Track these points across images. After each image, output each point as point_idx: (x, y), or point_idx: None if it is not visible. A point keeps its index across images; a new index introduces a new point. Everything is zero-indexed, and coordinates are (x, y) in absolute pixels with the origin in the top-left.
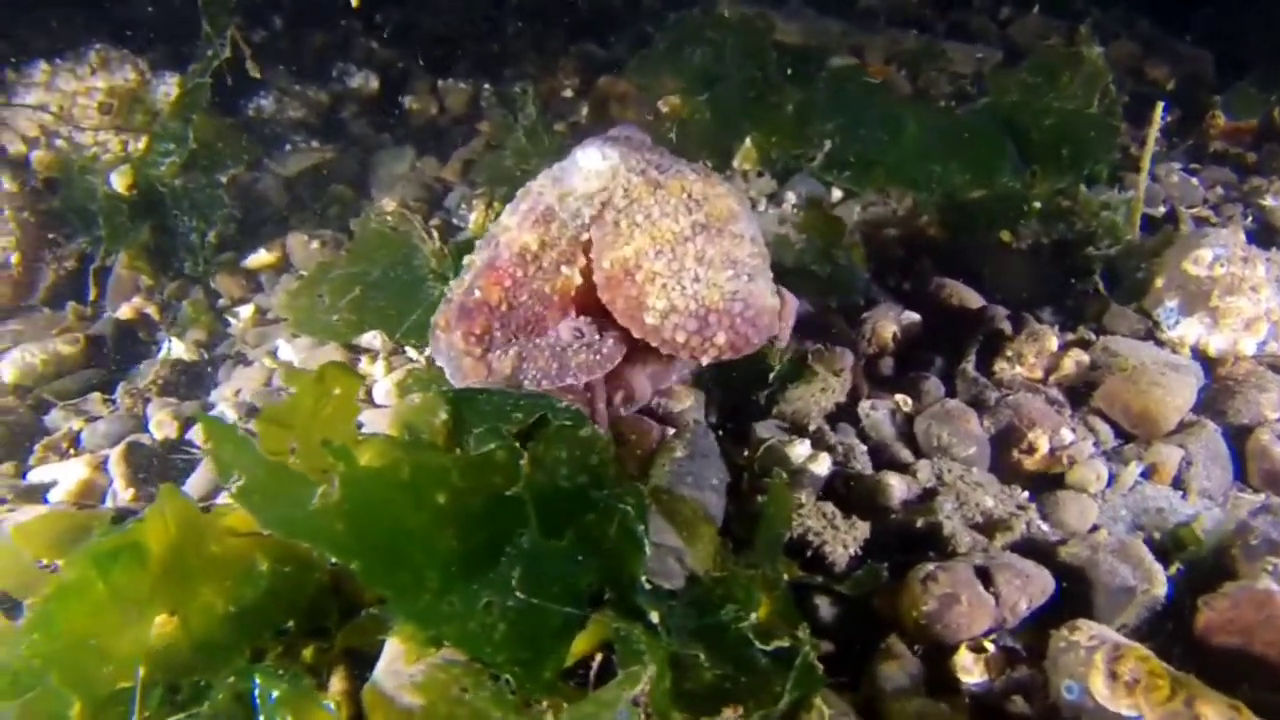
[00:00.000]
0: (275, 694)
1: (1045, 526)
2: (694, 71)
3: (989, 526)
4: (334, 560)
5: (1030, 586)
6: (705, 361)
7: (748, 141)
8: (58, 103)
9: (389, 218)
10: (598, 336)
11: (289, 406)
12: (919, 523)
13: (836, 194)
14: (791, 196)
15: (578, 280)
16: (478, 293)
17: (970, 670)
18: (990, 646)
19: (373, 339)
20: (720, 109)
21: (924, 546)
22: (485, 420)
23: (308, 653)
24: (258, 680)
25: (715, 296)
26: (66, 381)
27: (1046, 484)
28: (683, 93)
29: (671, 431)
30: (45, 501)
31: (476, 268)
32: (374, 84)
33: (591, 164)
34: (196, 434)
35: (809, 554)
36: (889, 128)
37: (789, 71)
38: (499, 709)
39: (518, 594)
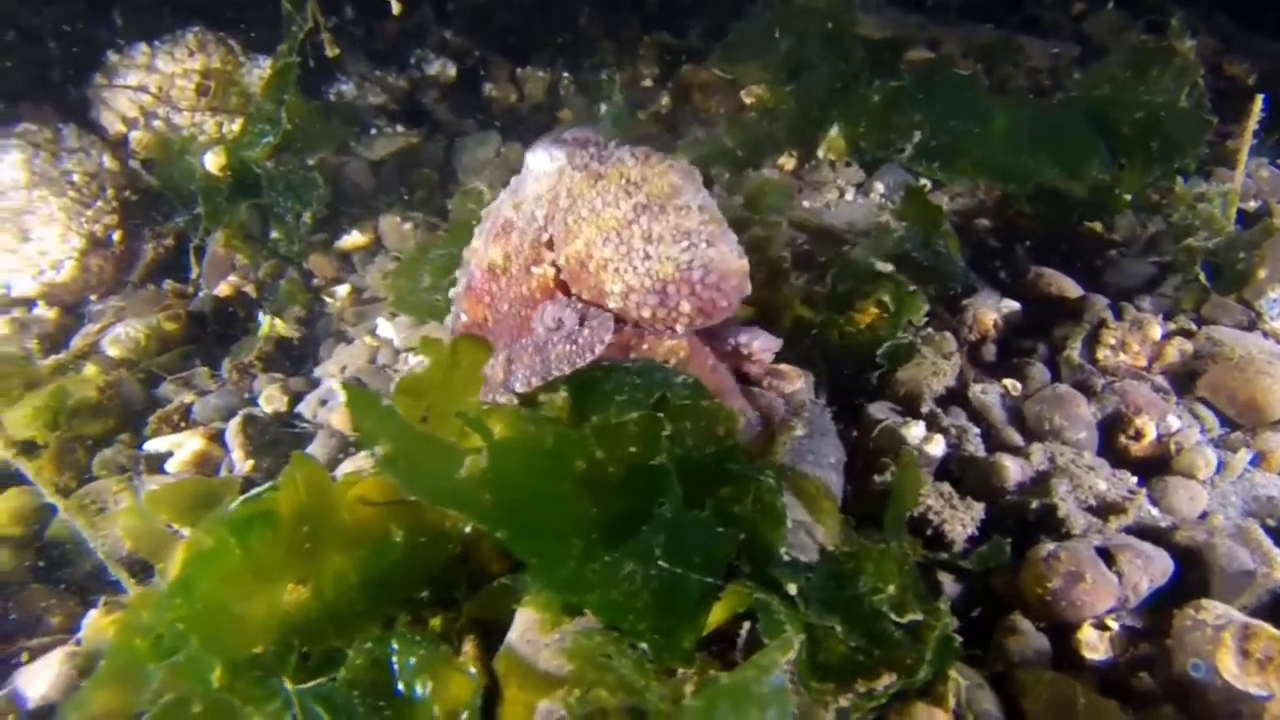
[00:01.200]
0: (413, 660)
1: (1155, 511)
2: (779, 61)
3: (1103, 509)
4: (481, 528)
5: (1151, 567)
6: (680, 330)
7: (833, 131)
8: (157, 84)
9: (486, 199)
10: (578, 324)
11: (424, 378)
12: (1034, 504)
13: (925, 184)
14: (880, 186)
15: (551, 273)
16: (464, 316)
17: (1095, 647)
18: (1114, 625)
19: None
20: (806, 99)
21: (1039, 528)
22: (604, 398)
23: (436, 622)
24: (396, 646)
25: (669, 269)
26: (171, 356)
27: (1154, 470)
28: (768, 82)
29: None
30: (163, 471)
31: (459, 294)
32: (451, 71)
33: (540, 165)
34: (306, 408)
35: (929, 532)
36: (979, 119)
37: (871, 64)
38: (642, 676)
39: (661, 563)
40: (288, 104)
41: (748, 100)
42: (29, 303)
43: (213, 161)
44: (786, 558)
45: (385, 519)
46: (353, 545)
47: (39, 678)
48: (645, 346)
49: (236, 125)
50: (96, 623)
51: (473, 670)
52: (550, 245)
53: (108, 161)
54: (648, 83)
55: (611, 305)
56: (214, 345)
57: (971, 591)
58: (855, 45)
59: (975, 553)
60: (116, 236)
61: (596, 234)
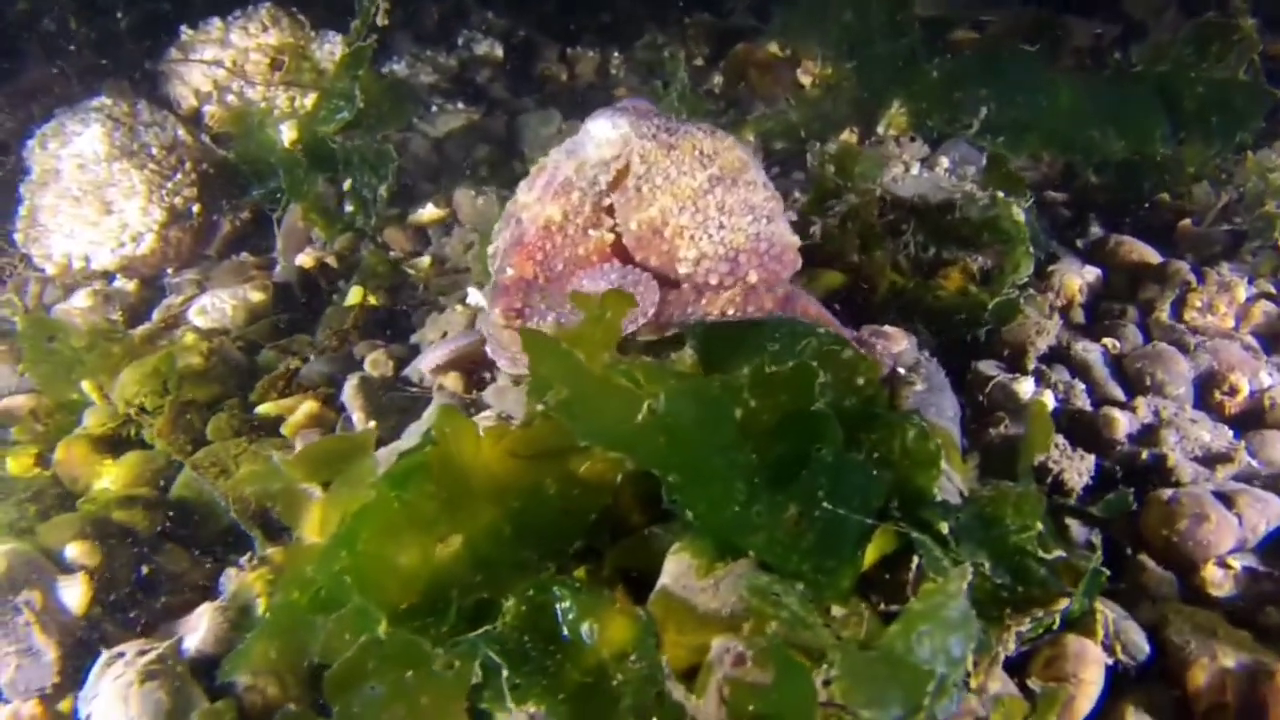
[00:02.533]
0: (578, 604)
1: (1255, 463)
2: (838, 37)
3: (1210, 460)
4: (651, 473)
5: (1268, 510)
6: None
7: (894, 107)
8: (231, 58)
9: None
10: (638, 287)
11: (577, 330)
12: (1144, 455)
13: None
14: (945, 160)
15: (609, 239)
16: (510, 270)
17: (1220, 584)
18: (1236, 564)
19: None
20: (867, 76)
21: (1150, 478)
22: (737, 351)
23: (580, 573)
24: (559, 591)
25: (741, 239)
26: (262, 325)
27: (1248, 425)
28: (827, 59)
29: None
30: (278, 434)
31: (504, 247)
32: (499, 51)
33: (603, 133)
34: (411, 372)
35: (1048, 481)
36: (1044, 94)
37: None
38: (810, 614)
39: (825, 504)
40: (361, 81)
41: (804, 79)
42: (108, 275)
43: (286, 136)
44: (939, 499)
45: (535, 471)
46: (505, 498)
47: (193, 631)
48: (704, 302)
49: (309, 100)
50: (243, 579)
51: (642, 612)
52: (611, 210)
53: (183, 135)
54: (699, 62)
55: (682, 270)
56: (302, 315)
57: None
58: (914, 22)
59: (1104, 499)
60: (195, 209)
61: (672, 201)
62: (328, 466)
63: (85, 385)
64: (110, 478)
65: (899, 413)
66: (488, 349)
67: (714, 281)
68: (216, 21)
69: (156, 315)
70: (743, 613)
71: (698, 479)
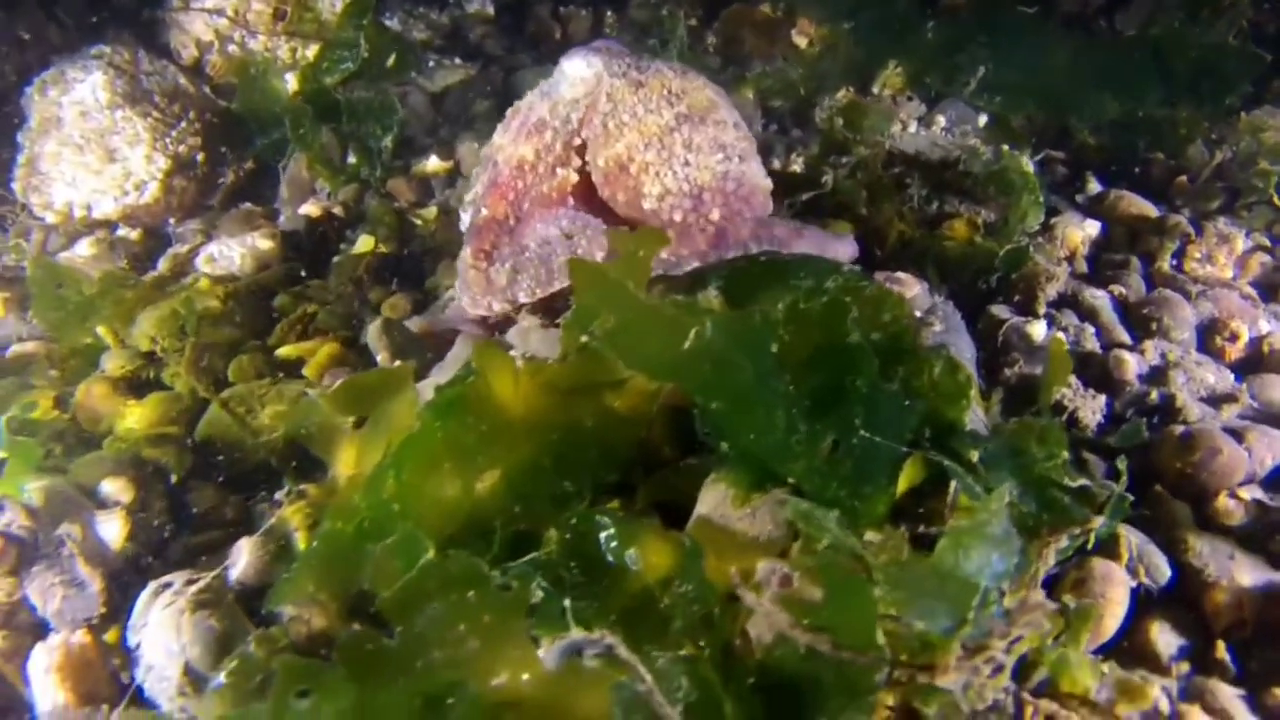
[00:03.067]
0: (620, 531)
1: (1257, 405)
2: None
3: (1215, 400)
4: (684, 408)
5: (1275, 445)
6: (700, 240)
7: (890, 67)
8: (234, 7)
9: None
10: (578, 236)
11: (613, 265)
12: (1153, 395)
13: (983, 119)
14: (941, 119)
15: (574, 178)
16: (484, 210)
17: (1233, 514)
18: (1246, 495)
19: None
20: (864, 37)
21: (1159, 416)
22: (762, 289)
23: (614, 505)
24: (603, 520)
25: (707, 177)
26: (273, 272)
27: (1248, 370)
28: (824, 20)
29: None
30: (300, 376)
31: (480, 190)
32: (490, 9)
33: (577, 71)
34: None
35: (1064, 418)
36: (1041, 55)
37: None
38: (850, 537)
39: (862, 432)
40: (365, 31)
41: (799, 39)
42: (110, 224)
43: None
44: (968, 429)
45: (571, 405)
46: (543, 431)
47: (233, 564)
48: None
49: (310, 51)
50: (281, 512)
51: (686, 538)
52: (581, 149)
53: (185, 84)
54: (692, 23)
55: (647, 206)
56: (309, 264)
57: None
58: None
59: (1119, 431)
60: (200, 158)
61: (639, 138)
62: (367, 400)
63: (100, 330)
64: (134, 418)
65: (926, 347)
66: (456, 285)
67: (678, 218)
68: None
69: (164, 263)
70: (780, 538)
71: (741, 407)
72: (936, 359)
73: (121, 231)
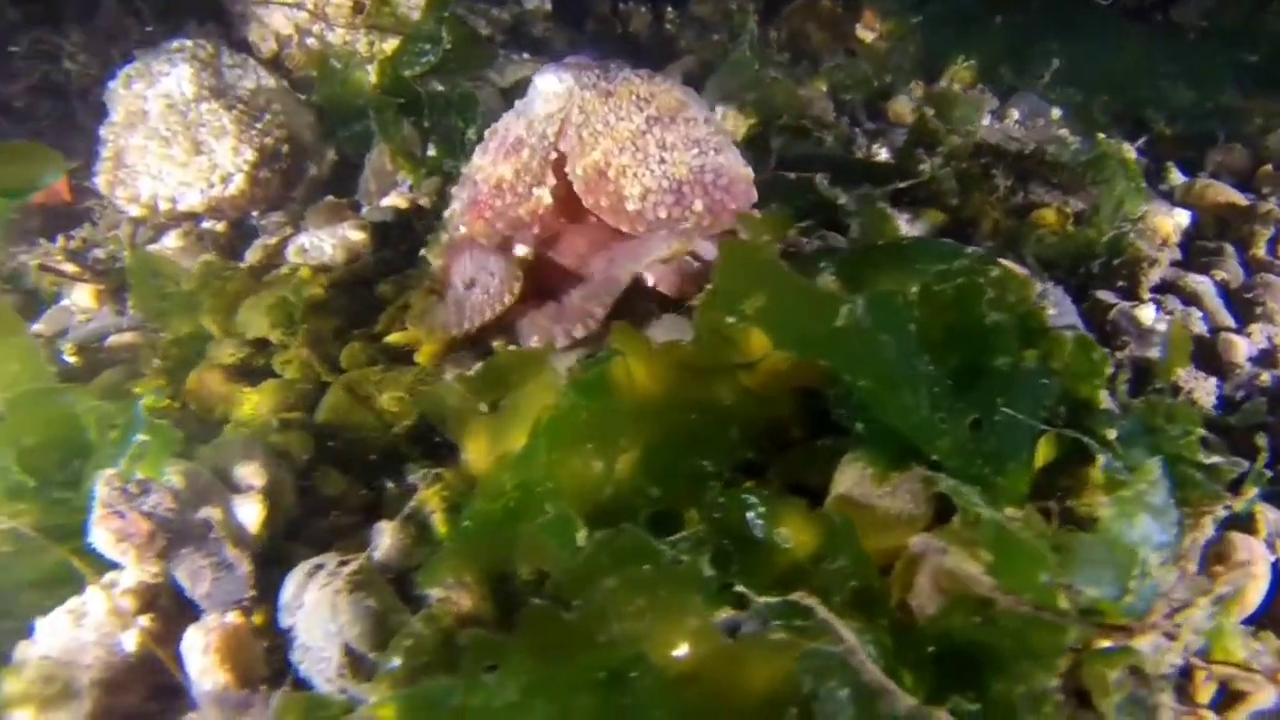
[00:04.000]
0: (768, 511)
1: None
2: None
3: None
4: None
5: None
6: (686, 227)
7: (959, 61)
8: (313, 2)
9: None
10: (490, 277)
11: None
12: (1264, 376)
13: (1056, 111)
14: (1015, 113)
15: (547, 200)
16: (462, 229)
17: None
18: None
19: None
20: (933, 30)
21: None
22: (880, 272)
23: (749, 485)
24: (752, 498)
25: (684, 171)
26: (365, 262)
27: None
28: (890, 14)
29: None
30: (410, 363)
31: (459, 208)
32: (548, 5)
33: (550, 87)
34: None
35: (1179, 398)
36: (1114, 48)
37: None
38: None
39: (1004, 410)
40: (448, 25)
41: (864, 32)
42: (195, 217)
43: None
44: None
45: (708, 385)
46: (682, 410)
47: (374, 547)
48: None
49: (388, 45)
50: (420, 495)
51: (836, 516)
52: (559, 164)
53: (266, 78)
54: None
55: (630, 208)
56: (399, 254)
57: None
58: None
59: (1240, 410)
60: (285, 150)
61: (613, 144)
62: (505, 382)
63: (204, 319)
64: (253, 404)
65: (1058, 326)
66: None
67: (662, 215)
68: None
69: (253, 254)
70: (921, 515)
71: (887, 385)
72: (1069, 338)
73: (207, 223)
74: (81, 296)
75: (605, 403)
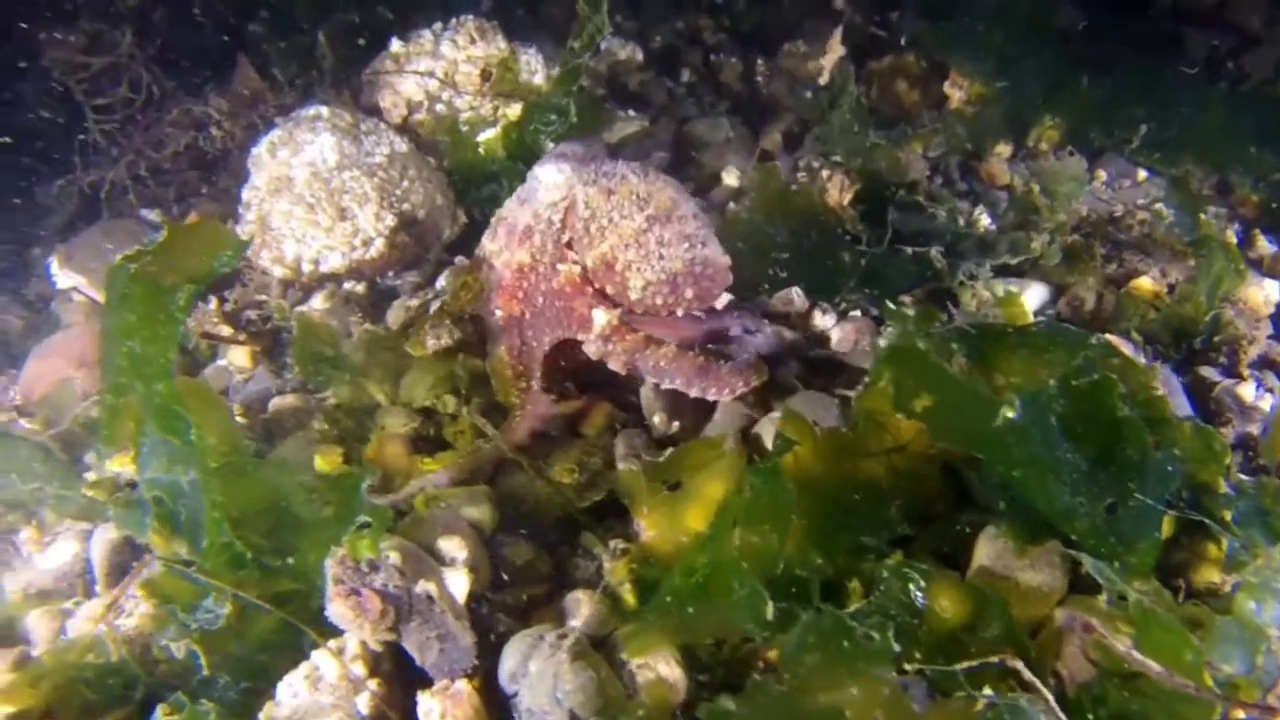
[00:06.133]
0: (928, 583)
1: None
2: (985, 53)
3: None
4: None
5: None
6: (680, 314)
7: (1046, 121)
8: (443, 69)
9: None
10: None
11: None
12: None
13: (1143, 174)
14: (1103, 174)
15: (576, 270)
16: (499, 313)
17: None
18: None
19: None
20: (1020, 91)
21: None
22: (1011, 354)
23: (897, 556)
24: (909, 571)
25: (678, 265)
26: None
27: None
28: (977, 75)
29: None
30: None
31: (486, 293)
32: (639, 56)
33: (550, 177)
34: None
35: None
36: (1201, 112)
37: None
38: (1127, 586)
39: (1136, 495)
40: (576, 98)
41: (951, 91)
42: (336, 278)
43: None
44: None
45: (877, 466)
46: (845, 490)
47: (571, 616)
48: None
49: (511, 110)
50: (611, 567)
51: (987, 589)
52: (569, 245)
53: (400, 144)
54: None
55: (633, 297)
56: None
57: None
58: (1058, 39)
59: None
60: (422, 215)
61: (619, 240)
62: (683, 466)
63: (371, 388)
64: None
65: (1178, 416)
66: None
67: (659, 302)
68: (427, 33)
69: (394, 314)
70: (1060, 587)
71: (1036, 474)
72: (1190, 426)
73: (348, 285)
74: (237, 357)
75: (781, 486)
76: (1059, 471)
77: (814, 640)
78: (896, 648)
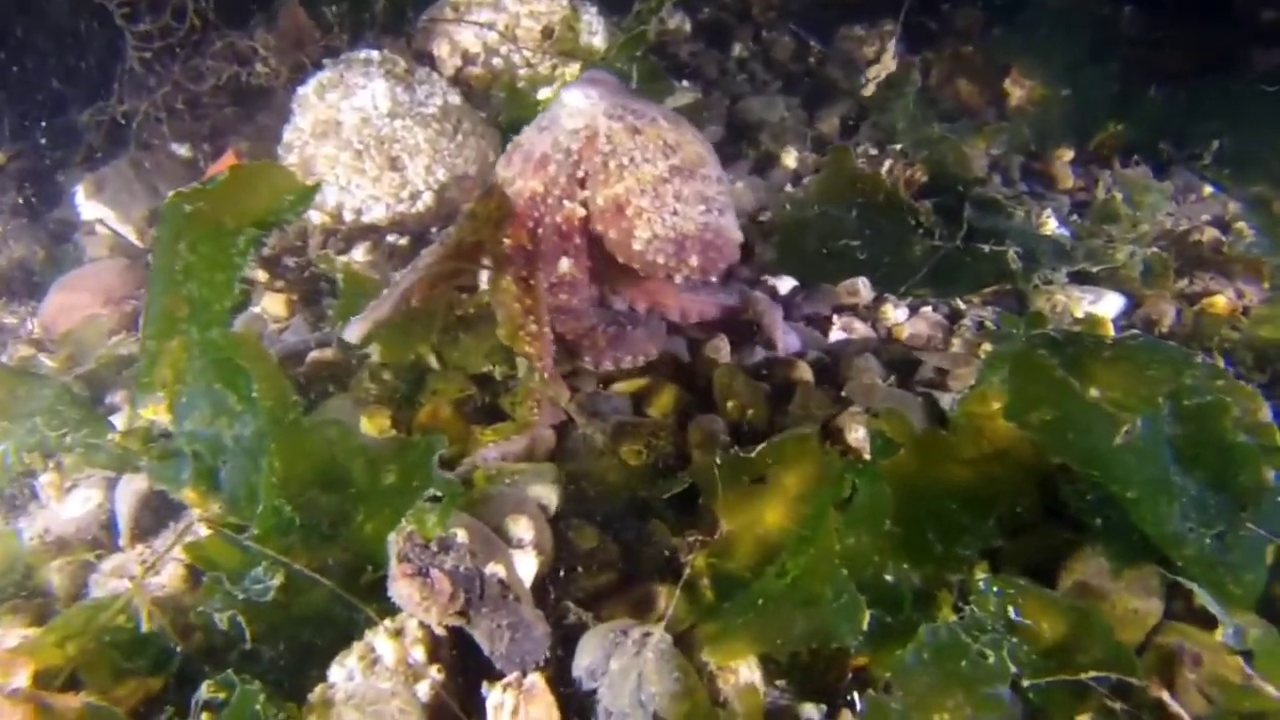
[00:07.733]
0: (1024, 599)
1: None
2: (1054, 55)
3: None
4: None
5: None
6: (678, 279)
7: (1110, 128)
8: (504, 23)
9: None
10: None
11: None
12: None
13: (1208, 189)
14: (1170, 187)
15: (580, 212)
16: (507, 240)
17: None
18: None
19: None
20: (1084, 97)
21: None
22: (1118, 373)
23: (982, 567)
24: (1002, 588)
25: (690, 227)
26: None
27: None
28: (1038, 75)
29: None
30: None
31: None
32: (687, 26)
33: (576, 102)
34: None
35: None
36: (1275, 130)
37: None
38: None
39: (1248, 525)
40: (639, 64)
41: (1012, 89)
42: (377, 230)
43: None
44: None
45: (969, 474)
46: (943, 497)
47: (652, 606)
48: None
49: (569, 70)
50: (692, 560)
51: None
52: (582, 181)
53: (454, 96)
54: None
55: (635, 247)
56: None
57: None
58: (1126, 46)
59: None
60: (473, 171)
61: (635, 184)
62: (775, 462)
63: (421, 349)
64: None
65: None
66: None
67: (660, 261)
68: None
69: None
70: (1157, 611)
71: (1152, 496)
72: None
73: (390, 238)
74: (273, 304)
75: (881, 489)
76: (1171, 495)
77: (929, 657)
78: (1014, 669)
